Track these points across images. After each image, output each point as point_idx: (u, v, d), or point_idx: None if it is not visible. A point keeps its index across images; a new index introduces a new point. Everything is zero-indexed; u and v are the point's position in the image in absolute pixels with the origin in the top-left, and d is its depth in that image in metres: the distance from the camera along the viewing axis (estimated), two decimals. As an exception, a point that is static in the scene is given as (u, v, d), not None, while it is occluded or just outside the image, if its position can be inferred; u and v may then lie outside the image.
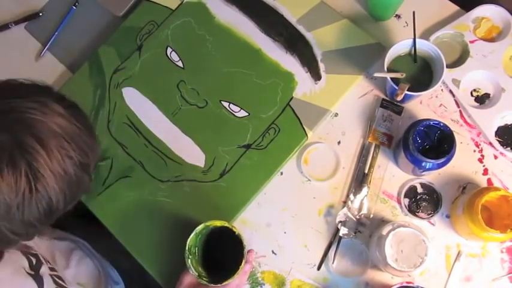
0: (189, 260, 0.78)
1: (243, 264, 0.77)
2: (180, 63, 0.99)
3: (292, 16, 0.99)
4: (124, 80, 1.00)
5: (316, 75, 0.95)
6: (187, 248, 0.78)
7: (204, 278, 0.77)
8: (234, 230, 0.79)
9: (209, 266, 0.82)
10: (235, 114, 0.94)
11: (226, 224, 0.79)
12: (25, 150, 0.52)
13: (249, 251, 0.84)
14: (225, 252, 0.83)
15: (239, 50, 0.98)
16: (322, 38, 0.97)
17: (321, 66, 0.95)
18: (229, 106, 0.95)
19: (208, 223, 0.79)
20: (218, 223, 0.80)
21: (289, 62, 0.96)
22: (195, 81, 0.97)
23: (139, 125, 0.97)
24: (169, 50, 1.01)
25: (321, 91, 0.94)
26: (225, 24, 1.00)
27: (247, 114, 0.94)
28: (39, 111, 0.54)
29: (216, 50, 0.99)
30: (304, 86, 0.94)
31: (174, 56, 1.00)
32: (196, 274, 0.77)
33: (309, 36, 0.97)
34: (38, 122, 0.53)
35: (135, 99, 0.98)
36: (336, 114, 0.94)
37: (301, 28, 0.98)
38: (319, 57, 0.96)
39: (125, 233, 0.91)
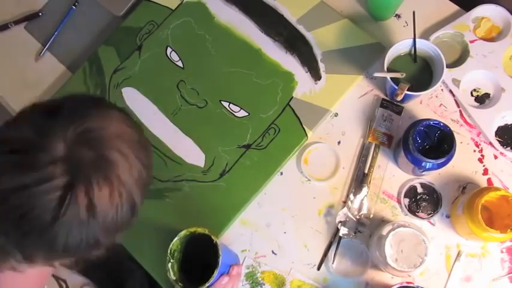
0: (170, 264, 0.78)
1: (214, 273, 0.74)
2: (180, 63, 0.99)
3: (292, 16, 0.99)
4: (124, 80, 1.00)
5: (316, 75, 0.95)
6: (169, 252, 0.78)
7: (179, 284, 0.76)
8: (213, 238, 0.77)
9: (191, 272, 0.81)
10: (235, 114, 0.94)
11: (207, 232, 0.78)
12: (110, 162, 0.55)
13: (234, 265, 0.82)
14: (207, 260, 0.80)
15: (239, 50, 0.98)
16: (322, 38, 0.97)
17: (321, 66, 0.95)
18: (229, 106, 0.95)
19: (191, 229, 0.78)
20: (200, 230, 0.78)
21: (289, 62, 0.96)
22: (195, 81, 0.97)
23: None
24: (169, 50, 1.00)
25: (321, 91, 0.94)
26: (225, 24, 1.00)
27: (247, 114, 0.94)
28: (111, 125, 0.57)
29: (216, 50, 0.99)
30: (304, 86, 0.94)
31: (174, 56, 1.00)
32: (174, 278, 0.77)
33: (309, 36, 0.97)
34: (115, 136, 0.56)
35: (135, 99, 0.98)
36: (336, 114, 0.94)
37: (301, 28, 0.98)
38: (319, 57, 0.96)
39: (124, 232, 0.91)
